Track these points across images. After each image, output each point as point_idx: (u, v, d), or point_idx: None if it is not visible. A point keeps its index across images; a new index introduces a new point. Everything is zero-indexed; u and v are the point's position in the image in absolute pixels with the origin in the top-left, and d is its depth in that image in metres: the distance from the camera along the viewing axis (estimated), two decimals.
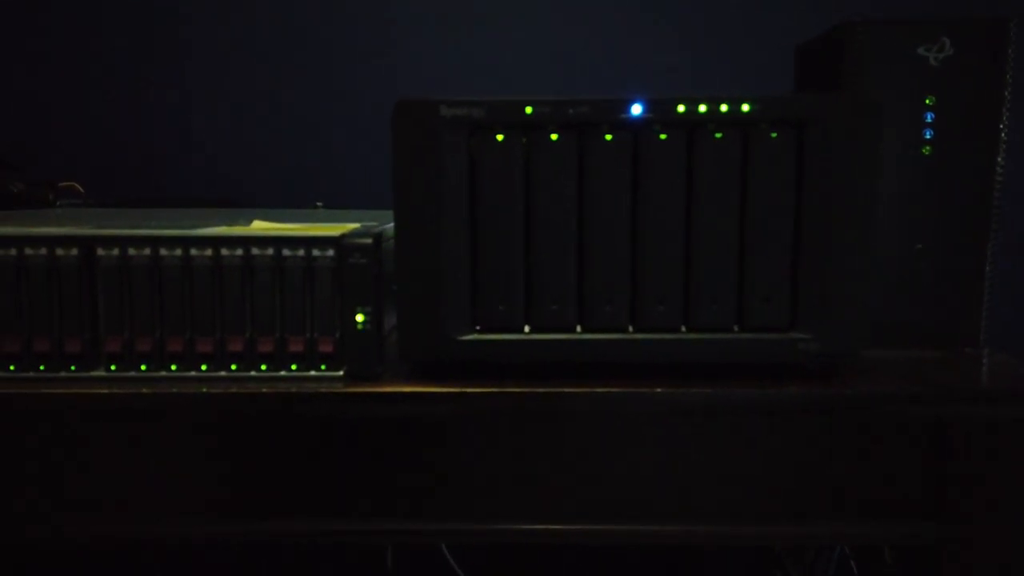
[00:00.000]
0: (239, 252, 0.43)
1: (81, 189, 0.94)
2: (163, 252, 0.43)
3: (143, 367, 0.44)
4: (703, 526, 0.45)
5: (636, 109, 0.41)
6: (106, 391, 0.42)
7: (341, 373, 0.44)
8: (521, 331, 0.43)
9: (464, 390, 0.42)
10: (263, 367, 0.44)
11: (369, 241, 0.43)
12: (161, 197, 0.97)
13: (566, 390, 0.42)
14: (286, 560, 1.01)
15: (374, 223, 0.48)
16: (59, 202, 0.90)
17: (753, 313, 0.43)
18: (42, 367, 0.43)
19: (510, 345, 0.43)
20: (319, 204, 0.88)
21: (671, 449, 0.44)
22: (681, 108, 0.41)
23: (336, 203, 0.85)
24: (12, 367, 0.43)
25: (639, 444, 0.44)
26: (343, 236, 0.43)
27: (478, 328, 0.43)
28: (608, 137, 0.42)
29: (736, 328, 0.43)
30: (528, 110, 0.41)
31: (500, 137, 0.42)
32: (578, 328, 0.43)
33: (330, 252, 0.43)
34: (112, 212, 0.69)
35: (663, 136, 0.42)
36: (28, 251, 0.42)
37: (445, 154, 0.41)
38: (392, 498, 0.44)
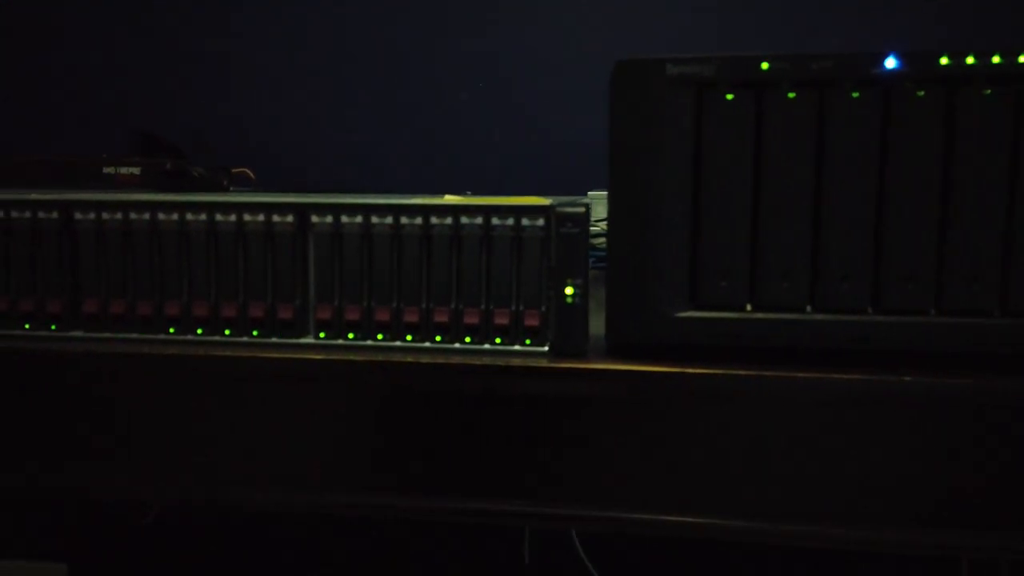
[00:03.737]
0: (448, 221, 0.42)
1: (252, 175, 0.99)
2: (374, 220, 0.43)
3: (351, 335, 0.44)
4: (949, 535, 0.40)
5: (890, 63, 0.37)
6: (319, 357, 0.42)
7: (546, 348, 0.42)
8: (743, 310, 0.40)
9: (683, 370, 0.39)
10: (467, 339, 0.43)
11: (582, 211, 0.41)
12: (328, 184, 1.01)
13: (799, 375, 0.38)
14: (434, 539, 1.02)
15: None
16: (232, 188, 0.94)
17: (1021, 296, 0.37)
18: (255, 332, 0.44)
19: (732, 325, 0.40)
20: (468, 192, 0.88)
21: (905, 444, 0.39)
22: (944, 60, 0.36)
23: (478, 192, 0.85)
24: (227, 331, 0.44)
25: (867, 436, 0.39)
26: (554, 205, 0.41)
27: (695, 306, 0.40)
28: (855, 95, 0.37)
29: (997, 313, 0.38)
30: (764, 66, 0.38)
31: (730, 96, 0.38)
32: (808, 308, 0.39)
33: (540, 222, 0.41)
34: (290, 196, 0.71)
35: (920, 93, 0.37)
36: (247, 217, 0.44)
37: (669, 115, 0.39)
38: (571, 481, 0.42)
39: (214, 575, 1.07)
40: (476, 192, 0.87)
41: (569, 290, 0.41)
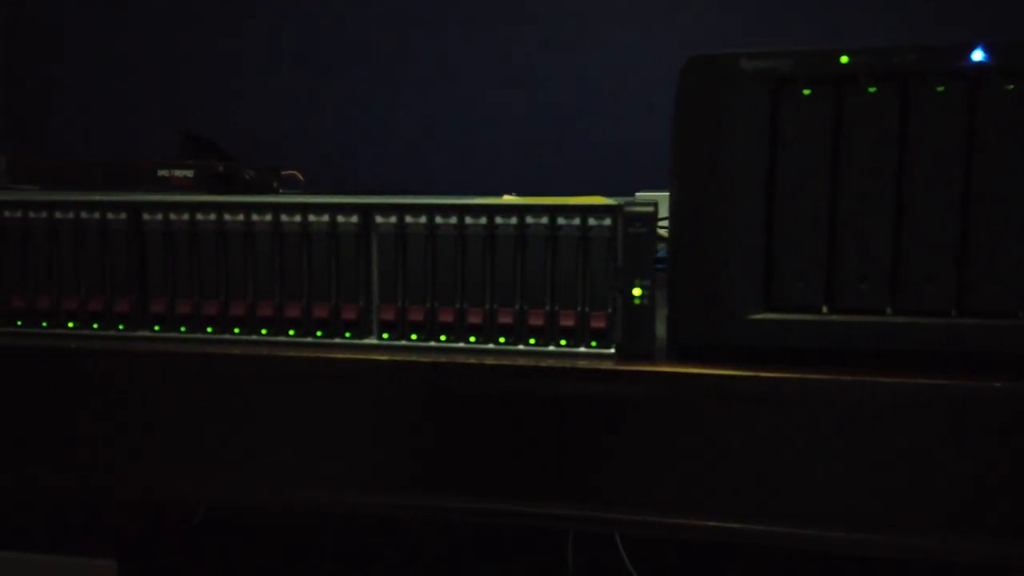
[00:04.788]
0: (513, 221, 0.42)
1: (301, 177, 1.00)
2: (438, 220, 0.42)
3: (414, 336, 0.43)
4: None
5: (977, 55, 0.35)
6: (383, 358, 0.42)
7: (612, 351, 0.42)
8: (820, 312, 0.39)
9: (758, 374, 0.38)
10: (531, 341, 0.42)
11: (650, 210, 0.40)
12: (372, 185, 1.01)
13: (880, 379, 0.37)
14: (482, 543, 1.02)
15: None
16: (281, 189, 0.95)
17: None
18: (319, 333, 0.44)
19: (808, 327, 0.38)
20: (513, 193, 0.88)
21: (993, 452, 0.37)
22: None
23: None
24: (292, 332, 0.44)
25: (952, 444, 0.38)
26: (622, 204, 0.40)
27: (768, 307, 0.39)
28: (940, 89, 0.36)
29: None
30: (843, 59, 0.36)
31: (807, 91, 0.37)
32: (889, 310, 0.38)
33: (607, 221, 0.41)
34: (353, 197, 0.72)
35: (1009, 87, 0.35)
36: (311, 217, 0.44)
37: (742, 112, 0.38)
38: (638, 486, 0.41)
39: (255, 569, 1.08)
40: (519, 195, 0.87)
41: (637, 291, 0.40)
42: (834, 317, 0.38)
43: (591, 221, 0.41)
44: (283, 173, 0.99)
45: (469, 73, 1.01)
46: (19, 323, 0.46)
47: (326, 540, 1.06)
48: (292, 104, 1.07)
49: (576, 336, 0.42)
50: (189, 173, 0.92)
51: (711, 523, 0.41)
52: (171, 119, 1.08)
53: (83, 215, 0.45)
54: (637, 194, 0.91)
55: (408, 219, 0.43)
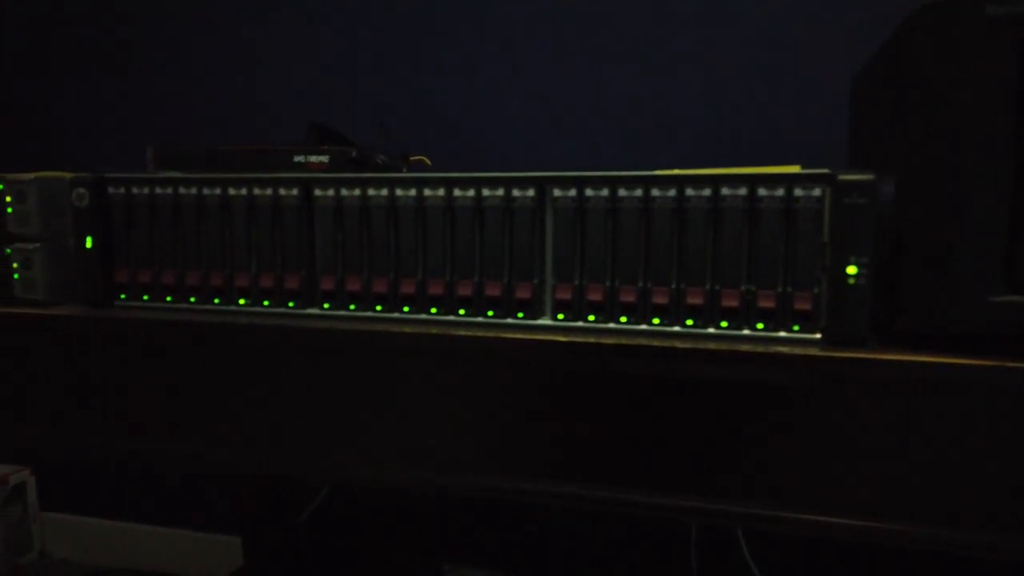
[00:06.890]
0: (706, 192, 0.38)
1: (429, 162, 1.00)
2: (621, 192, 0.39)
3: (591, 317, 0.41)
4: None
5: None
6: (563, 339, 0.40)
7: (818, 336, 0.38)
8: None
9: (1002, 364, 0.33)
10: (723, 324, 0.39)
11: (871, 178, 0.36)
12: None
13: None
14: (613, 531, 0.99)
15: None
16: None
17: None
18: (490, 312, 0.42)
19: None
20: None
21: None
22: None
23: None
24: (462, 311, 0.43)
25: None
26: (836, 173, 0.36)
27: (1013, 289, 0.34)
28: None
29: None
30: None
31: None
32: None
33: (815, 192, 0.37)
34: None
35: None
36: (485, 192, 0.42)
37: (985, 65, 0.33)
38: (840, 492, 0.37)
39: (380, 552, 1.09)
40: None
41: (852, 269, 0.36)
42: None
43: (797, 192, 0.37)
44: (411, 159, 0.99)
45: (580, 51, 0.98)
46: (192, 299, 0.47)
47: (446, 523, 1.06)
48: (408, 92, 1.07)
49: (777, 318, 0.38)
50: (324, 159, 0.93)
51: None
52: (292, 112, 1.11)
53: (256, 191, 0.45)
54: None
55: (588, 192, 0.40)
